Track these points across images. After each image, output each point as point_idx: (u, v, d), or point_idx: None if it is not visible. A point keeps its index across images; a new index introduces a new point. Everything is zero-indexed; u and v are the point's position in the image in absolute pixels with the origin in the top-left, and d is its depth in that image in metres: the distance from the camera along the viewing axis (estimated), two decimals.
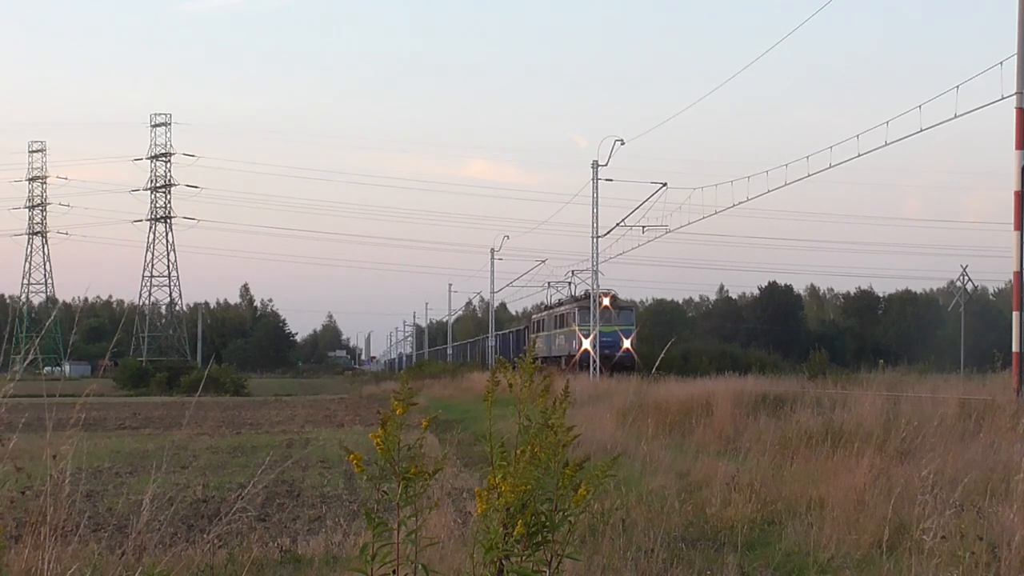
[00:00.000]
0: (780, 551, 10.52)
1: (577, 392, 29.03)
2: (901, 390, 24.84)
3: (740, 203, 43.11)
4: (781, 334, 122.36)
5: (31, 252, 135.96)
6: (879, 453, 14.11)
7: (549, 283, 78.82)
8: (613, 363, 55.59)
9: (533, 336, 70.54)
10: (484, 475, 6.42)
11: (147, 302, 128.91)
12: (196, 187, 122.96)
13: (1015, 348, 23.42)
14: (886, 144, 31.60)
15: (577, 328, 59.47)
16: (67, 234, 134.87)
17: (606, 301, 58.93)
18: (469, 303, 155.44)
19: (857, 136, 34.03)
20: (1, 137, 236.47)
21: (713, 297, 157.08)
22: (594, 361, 60.95)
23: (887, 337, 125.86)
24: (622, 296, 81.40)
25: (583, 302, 60.52)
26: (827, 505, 11.76)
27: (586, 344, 56.58)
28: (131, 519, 9.96)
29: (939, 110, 31.45)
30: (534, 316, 78.76)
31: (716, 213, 44.74)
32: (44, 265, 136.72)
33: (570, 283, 74.23)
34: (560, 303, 71.14)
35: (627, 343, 58.45)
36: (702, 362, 57.50)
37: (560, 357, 63.22)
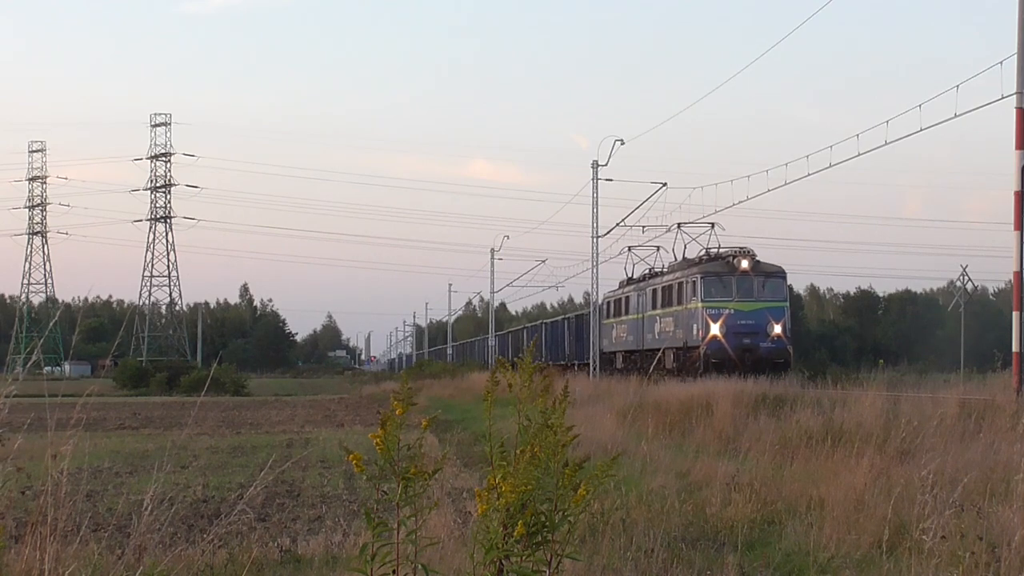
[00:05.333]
0: (780, 551, 10.52)
1: (577, 392, 29.04)
2: (901, 390, 24.83)
3: (740, 203, 42.78)
4: None
5: (31, 252, 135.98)
6: (879, 453, 14.11)
7: (630, 248, 54.17)
8: (756, 359, 38.29)
9: (607, 323, 53.25)
10: (484, 475, 6.42)
11: (147, 302, 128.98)
12: (196, 187, 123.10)
13: (1015, 348, 23.42)
14: (886, 144, 31.61)
15: (701, 305, 39.71)
16: (67, 234, 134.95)
17: (744, 263, 39.91)
18: (469, 303, 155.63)
19: (857, 136, 33.71)
20: (1, 137, 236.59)
21: None
22: (612, 358, 49.75)
23: (887, 337, 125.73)
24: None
25: (710, 265, 40.91)
26: (827, 505, 11.77)
27: (715, 329, 38.95)
28: (131, 519, 9.96)
29: (939, 109, 31.59)
30: (608, 296, 54.93)
31: (716, 213, 44.46)
32: (44, 265, 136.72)
33: (659, 248, 51.40)
34: (651, 272, 49.51)
35: (778, 328, 39.47)
36: None
37: (664, 351, 43.38)
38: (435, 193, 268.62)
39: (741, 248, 41.05)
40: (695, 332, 39.89)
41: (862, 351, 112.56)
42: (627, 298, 50.29)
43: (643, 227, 52.33)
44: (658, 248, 52.11)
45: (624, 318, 50.16)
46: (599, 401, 29.53)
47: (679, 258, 46.15)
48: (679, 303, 41.69)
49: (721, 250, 42.38)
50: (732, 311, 39.27)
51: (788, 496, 13.01)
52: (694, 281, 40.38)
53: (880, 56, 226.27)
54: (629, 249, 54.15)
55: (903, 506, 10.70)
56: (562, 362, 60.16)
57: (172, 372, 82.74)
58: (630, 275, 53.25)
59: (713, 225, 45.63)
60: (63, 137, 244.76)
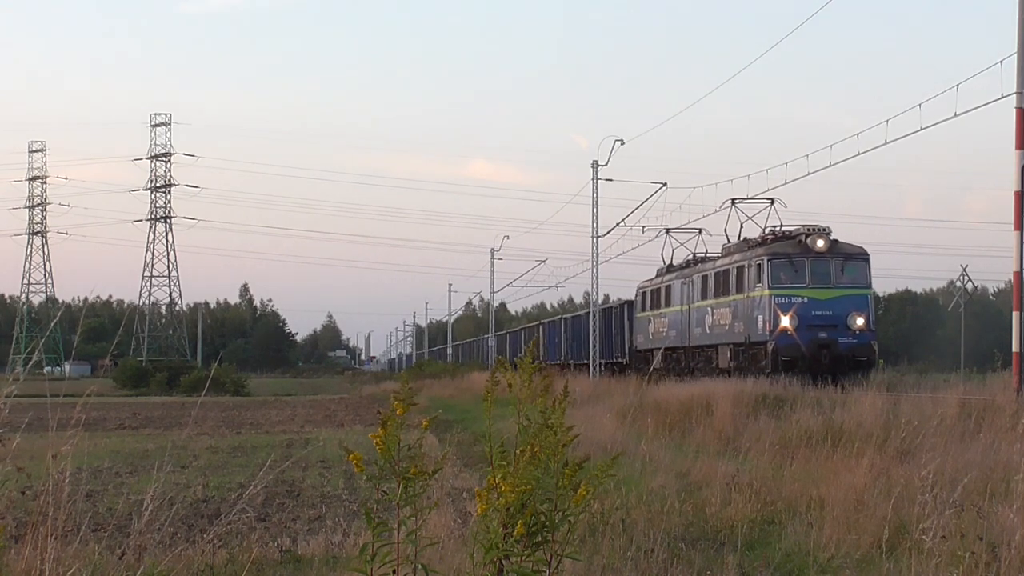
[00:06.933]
0: (780, 551, 10.52)
1: (577, 392, 29.02)
2: (901, 390, 24.83)
3: (708, 215, 41.99)
4: None
5: (31, 252, 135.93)
6: (879, 453, 14.11)
7: (668, 230, 47.81)
8: (835, 357, 32.66)
9: (642, 316, 47.35)
10: (484, 475, 6.42)
11: (147, 302, 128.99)
12: (196, 187, 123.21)
13: (1015, 348, 23.42)
14: (886, 143, 31.51)
15: (768, 292, 33.48)
16: (67, 234, 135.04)
17: (820, 243, 33.76)
18: (469, 303, 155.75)
19: (857, 135, 33.06)
20: (1, 137, 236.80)
21: None
22: (668, 357, 42.40)
23: (887, 337, 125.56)
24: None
25: (778, 245, 34.60)
26: (827, 505, 11.76)
27: (785, 321, 32.81)
28: (131, 519, 9.96)
29: (939, 109, 31.50)
30: (643, 286, 48.09)
31: (716, 212, 44.27)
32: (44, 265, 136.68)
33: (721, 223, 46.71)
34: (696, 257, 43.53)
35: (861, 320, 33.23)
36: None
37: (718, 347, 37.77)
38: (435, 193, 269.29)
39: (814, 225, 34.64)
40: (760, 325, 33.74)
41: None
42: (668, 287, 43.57)
43: (643, 227, 52.14)
44: (700, 231, 46.38)
45: (664, 310, 43.69)
46: (599, 401, 29.52)
47: (731, 240, 39.79)
48: (739, 291, 35.57)
49: (785, 228, 36.14)
50: (805, 300, 33.16)
51: (788, 496, 13.01)
52: (759, 264, 34.08)
53: (880, 56, 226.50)
54: (667, 231, 47.87)
55: (903, 506, 10.70)
56: (584, 361, 55.50)
57: (172, 372, 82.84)
58: (669, 261, 46.84)
59: (772, 201, 39.22)
60: (63, 137, 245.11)
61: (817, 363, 32.08)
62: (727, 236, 40.29)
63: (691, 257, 44.16)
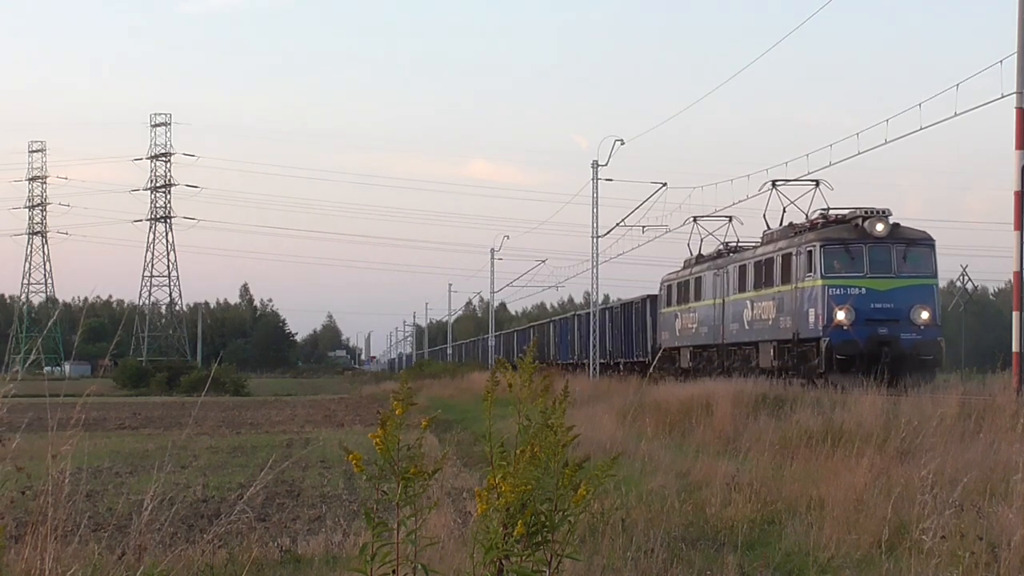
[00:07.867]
0: (780, 551, 10.52)
1: (577, 392, 28.99)
2: (901, 390, 24.82)
3: (740, 202, 42.31)
4: None
5: (31, 252, 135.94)
6: (879, 453, 14.11)
7: (696, 218, 44.45)
8: (897, 355, 28.94)
9: (667, 311, 43.97)
10: (484, 475, 6.42)
11: (147, 302, 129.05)
12: (196, 187, 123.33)
13: (1015, 348, 23.40)
14: (886, 143, 31.39)
15: (821, 283, 29.92)
16: (67, 234, 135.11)
17: (879, 227, 30.04)
18: (469, 303, 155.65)
19: (857, 134, 32.84)
20: (1, 137, 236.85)
21: None
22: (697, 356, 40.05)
23: None
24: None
25: (830, 230, 30.92)
26: (827, 505, 11.76)
27: (841, 315, 29.13)
28: (131, 519, 9.95)
29: (939, 109, 31.33)
30: (668, 279, 44.75)
31: (716, 212, 44.39)
32: (44, 265, 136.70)
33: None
34: (728, 246, 40.57)
35: (926, 314, 29.77)
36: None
37: (759, 345, 34.09)
38: (435, 193, 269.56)
39: (871, 208, 30.68)
40: (811, 320, 30.10)
41: None
42: (698, 279, 40.12)
43: (643, 227, 52.13)
44: (730, 218, 43.10)
45: (694, 305, 40.30)
46: (599, 401, 29.52)
47: (770, 226, 36.15)
48: (785, 281, 31.81)
49: (836, 211, 32.34)
50: (863, 291, 29.55)
51: (788, 496, 13.00)
52: (810, 251, 30.33)
53: (880, 56, 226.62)
54: (695, 220, 44.26)
55: (903, 506, 10.70)
56: (601, 360, 52.82)
57: (172, 372, 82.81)
58: (698, 251, 43.51)
59: (818, 183, 35.50)
60: (63, 137, 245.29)
61: (876, 362, 28.20)
62: (766, 222, 36.79)
63: (723, 246, 41.10)
